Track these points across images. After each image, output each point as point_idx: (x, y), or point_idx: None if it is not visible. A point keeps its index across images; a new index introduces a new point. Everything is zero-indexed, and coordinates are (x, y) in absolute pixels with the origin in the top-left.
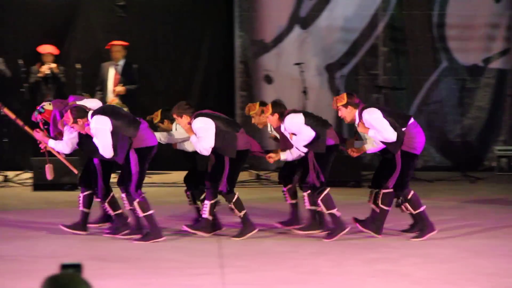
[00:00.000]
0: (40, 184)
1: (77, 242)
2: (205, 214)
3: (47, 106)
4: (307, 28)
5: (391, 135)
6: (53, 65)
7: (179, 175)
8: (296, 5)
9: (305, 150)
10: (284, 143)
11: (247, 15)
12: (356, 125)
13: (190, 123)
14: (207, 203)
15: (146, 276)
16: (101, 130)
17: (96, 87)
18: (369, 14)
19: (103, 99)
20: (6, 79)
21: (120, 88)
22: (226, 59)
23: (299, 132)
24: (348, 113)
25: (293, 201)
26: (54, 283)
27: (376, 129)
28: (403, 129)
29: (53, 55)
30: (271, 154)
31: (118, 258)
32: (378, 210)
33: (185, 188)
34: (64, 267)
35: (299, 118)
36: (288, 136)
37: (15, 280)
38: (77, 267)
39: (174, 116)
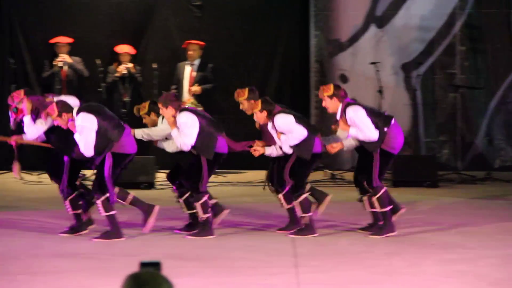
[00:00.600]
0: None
1: (154, 240)
2: (201, 215)
3: (20, 105)
4: (383, 27)
5: (374, 134)
6: (130, 65)
7: (255, 175)
8: (372, 4)
9: (290, 151)
10: (268, 141)
11: (323, 14)
12: (337, 120)
13: (174, 116)
14: (197, 205)
15: (221, 275)
16: (86, 128)
17: (172, 86)
18: (446, 13)
19: (178, 98)
20: (84, 79)
21: (196, 88)
22: (301, 59)
23: (290, 130)
24: (331, 104)
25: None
26: (136, 280)
27: (359, 127)
28: (386, 129)
29: (130, 54)
30: (256, 147)
31: (194, 257)
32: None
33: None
34: (144, 265)
35: (290, 117)
36: (274, 134)
37: (93, 277)
38: (156, 265)
39: (160, 105)
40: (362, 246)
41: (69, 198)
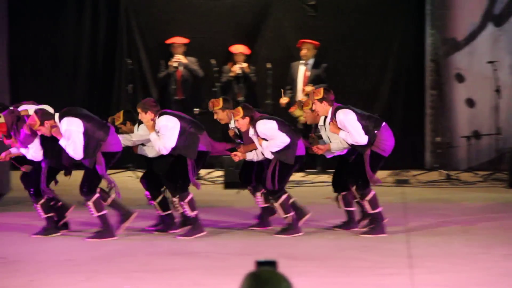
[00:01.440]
0: (231, 182)
1: (266, 239)
2: (188, 213)
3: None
4: (501, 26)
5: (362, 139)
6: (244, 65)
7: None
8: (489, 2)
9: (271, 156)
10: (249, 145)
11: (439, 13)
12: (326, 124)
13: (153, 120)
14: (183, 203)
15: (334, 274)
16: (73, 132)
17: (286, 86)
18: None
19: (292, 98)
20: (199, 79)
21: (310, 88)
22: (416, 58)
23: (272, 137)
24: (321, 108)
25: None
26: (256, 279)
27: (349, 131)
28: (376, 131)
29: (245, 54)
30: (237, 153)
31: (307, 256)
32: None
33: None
34: (260, 264)
35: (273, 123)
36: (255, 140)
37: (208, 276)
38: (272, 264)
39: (139, 110)
40: (477, 247)
41: (40, 202)
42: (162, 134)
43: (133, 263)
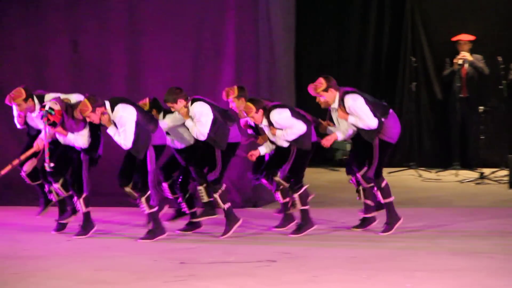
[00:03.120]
0: None
1: None
2: (204, 199)
3: (55, 106)
4: None
5: (373, 122)
6: None
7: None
8: None
9: (287, 144)
10: (263, 138)
11: None
12: (334, 110)
13: (186, 107)
14: (201, 188)
15: None
16: (128, 119)
17: None
18: None
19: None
20: (484, 77)
21: None
22: None
23: (289, 126)
24: (329, 96)
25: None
26: None
27: (359, 115)
28: (383, 119)
29: None
30: (253, 152)
31: None
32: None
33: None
34: None
35: (287, 112)
36: (267, 130)
37: (492, 277)
38: None
39: (169, 104)
40: None
41: (83, 196)
42: (197, 120)
43: (415, 262)
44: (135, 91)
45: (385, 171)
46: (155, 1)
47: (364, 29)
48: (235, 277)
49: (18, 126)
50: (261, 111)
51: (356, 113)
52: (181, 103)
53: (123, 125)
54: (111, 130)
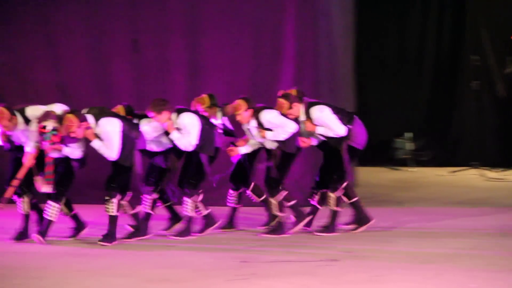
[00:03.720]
0: None
1: None
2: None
3: (56, 124)
4: None
5: (342, 130)
6: None
7: None
8: None
9: (273, 146)
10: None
11: None
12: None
13: (169, 118)
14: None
15: None
16: (114, 133)
17: None
18: None
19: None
20: None
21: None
22: None
23: (281, 124)
24: (295, 110)
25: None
26: None
27: (328, 126)
28: (350, 126)
29: None
30: (232, 148)
31: None
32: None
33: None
34: None
35: (276, 112)
36: (255, 132)
37: None
38: None
39: (153, 113)
40: None
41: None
42: (187, 131)
43: (479, 262)
44: (194, 90)
45: (448, 170)
46: (215, 1)
47: (425, 28)
48: (296, 276)
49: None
50: (250, 110)
51: (324, 124)
52: (165, 115)
53: (109, 139)
54: (96, 144)
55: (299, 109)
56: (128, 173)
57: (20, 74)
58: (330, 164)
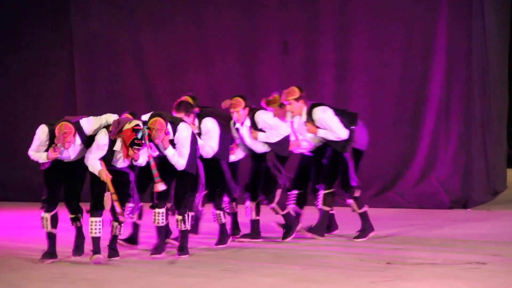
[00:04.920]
0: None
1: None
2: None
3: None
4: None
5: (344, 133)
6: None
7: None
8: None
9: (264, 149)
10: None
11: None
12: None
13: (193, 123)
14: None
15: None
16: (188, 139)
17: None
18: None
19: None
20: None
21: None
22: None
23: (275, 126)
24: (297, 108)
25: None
26: None
27: (330, 128)
28: (353, 127)
29: None
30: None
31: None
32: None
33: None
34: None
35: (271, 113)
36: (247, 133)
37: None
38: None
39: (182, 114)
40: None
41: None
42: (210, 136)
43: None
44: (342, 91)
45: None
46: (365, 1)
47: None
48: (443, 279)
49: (45, 160)
50: (247, 109)
51: (326, 126)
52: (190, 118)
53: (184, 145)
54: (169, 151)
55: (302, 109)
56: (192, 181)
57: (173, 74)
58: (336, 168)
